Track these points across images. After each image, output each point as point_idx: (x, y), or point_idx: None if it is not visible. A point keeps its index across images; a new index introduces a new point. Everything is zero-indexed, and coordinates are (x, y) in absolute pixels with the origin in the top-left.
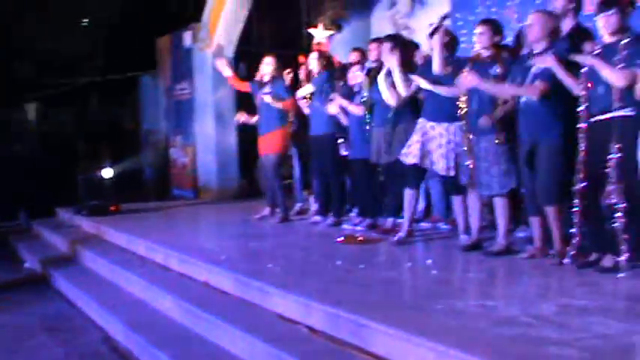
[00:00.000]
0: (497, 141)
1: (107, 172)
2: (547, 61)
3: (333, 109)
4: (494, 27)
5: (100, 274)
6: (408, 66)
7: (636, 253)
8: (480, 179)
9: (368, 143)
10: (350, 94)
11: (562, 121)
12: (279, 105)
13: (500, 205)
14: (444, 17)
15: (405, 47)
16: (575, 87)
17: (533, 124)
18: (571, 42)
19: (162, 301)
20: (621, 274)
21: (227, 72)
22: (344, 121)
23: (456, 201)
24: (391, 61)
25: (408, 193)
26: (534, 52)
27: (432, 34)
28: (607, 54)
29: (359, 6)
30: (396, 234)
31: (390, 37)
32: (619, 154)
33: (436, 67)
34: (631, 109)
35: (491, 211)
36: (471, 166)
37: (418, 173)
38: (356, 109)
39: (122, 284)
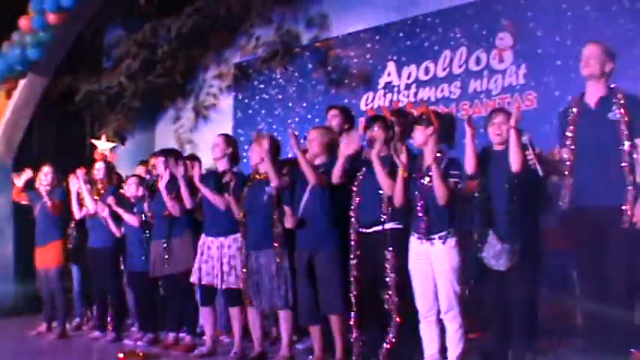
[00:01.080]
0: (278, 260)
1: None
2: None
3: (105, 212)
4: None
5: None
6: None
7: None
8: (260, 294)
9: (147, 256)
10: (128, 205)
11: (339, 231)
12: (56, 210)
13: (283, 318)
14: None
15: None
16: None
17: (312, 235)
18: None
19: None
20: None
21: (19, 182)
22: (115, 231)
23: (234, 312)
24: (177, 172)
25: (204, 311)
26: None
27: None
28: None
29: (143, 119)
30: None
31: (164, 152)
32: (392, 263)
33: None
34: (398, 222)
35: (274, 323)
36: (244, 281)
37: (208, 290)
38: (131, 219)
39: None
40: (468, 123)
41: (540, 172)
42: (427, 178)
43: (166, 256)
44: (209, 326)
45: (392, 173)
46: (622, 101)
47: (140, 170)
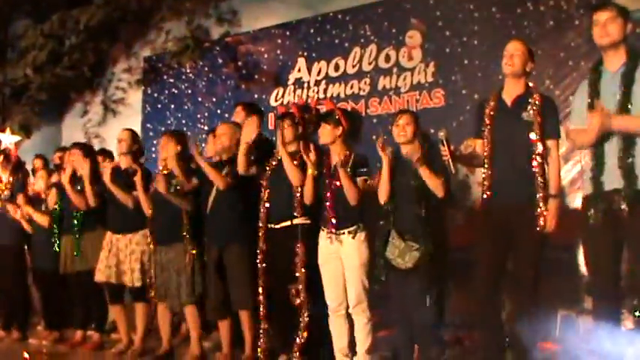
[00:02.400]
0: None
1: None
2: None
3: (17, 214)
4: (177, 138)
5: None
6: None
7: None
8: (168, 290)
9: (54, 253)
10: (38, 201)
11: (248, 226)
12: None
13: (190, 314)
14: None
15: (93, 156)
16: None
17: (221, 230)
18: (256, 152)
19: None
20: None
21: None
22: (28, 228)
23: (139, 308)
24: (84, 169)
25: (114, 309)
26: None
27: None
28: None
29: (50, 112)
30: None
31: (78, 145)
32: (301, 258)
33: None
34: (307, 217)
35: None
36: (154, 277)
37: (115, 287)
38: (42, 219)
39: None
40: (381, 149)
41: (452, 170)
42: (335, 176)
43: (76, 252)
44: (122, 324)
45: (302, 169)
46: (537, 102)
47: (38, 164)
